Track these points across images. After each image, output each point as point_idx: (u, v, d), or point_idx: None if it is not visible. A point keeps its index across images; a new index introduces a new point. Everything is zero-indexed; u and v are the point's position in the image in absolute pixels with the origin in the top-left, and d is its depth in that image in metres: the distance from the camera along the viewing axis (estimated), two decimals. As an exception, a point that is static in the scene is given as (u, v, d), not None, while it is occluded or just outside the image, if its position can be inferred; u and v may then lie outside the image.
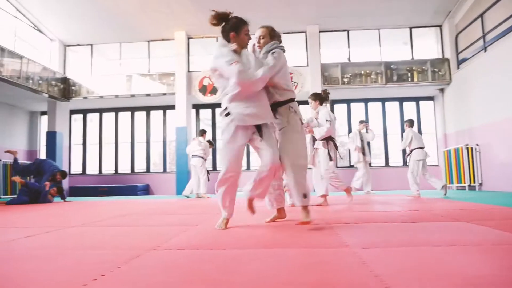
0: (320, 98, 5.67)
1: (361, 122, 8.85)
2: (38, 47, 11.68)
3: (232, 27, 3.04)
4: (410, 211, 4.07)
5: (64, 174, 8.29)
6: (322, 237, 2.46)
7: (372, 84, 11.17)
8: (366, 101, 12.42)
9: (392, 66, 11.17)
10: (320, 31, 11.55)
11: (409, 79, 11.15)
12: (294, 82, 11.13)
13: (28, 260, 1.95)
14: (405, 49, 11.84)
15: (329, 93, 5.84)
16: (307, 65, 11.41)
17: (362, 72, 11.16)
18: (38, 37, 11.70)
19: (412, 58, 11.58)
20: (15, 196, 8.22)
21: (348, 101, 12.46)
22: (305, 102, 11.74)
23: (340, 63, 11.37)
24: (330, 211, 4.51)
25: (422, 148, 7.05)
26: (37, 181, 8.01)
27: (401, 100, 12.32)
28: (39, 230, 3.16)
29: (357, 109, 12.52)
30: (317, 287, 1.36)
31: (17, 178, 7.68)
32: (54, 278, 1.57)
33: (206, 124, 13.09)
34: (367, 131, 8.74)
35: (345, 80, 11.22)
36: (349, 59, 11.65)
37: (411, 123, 7.41)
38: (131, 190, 11.84)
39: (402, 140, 7.48)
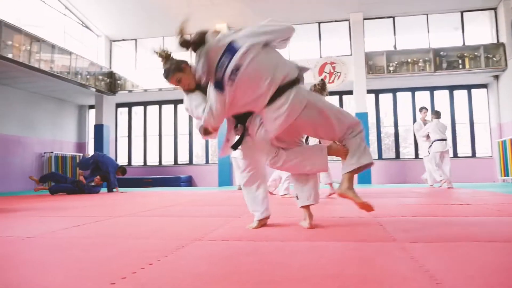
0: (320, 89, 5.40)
1: (421, 109, 8.14)
2: (85, 43, 12.12)
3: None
4: (461, 205, 3.86)
5: (124, 171, 8.58)
6: (368, 231, 2.37)
7: (419, 72, 10.71)
8: (413, 90, 11.96)
9: (441, 53, 10.65)
10: (364, 19, 11.20)
11: (460, 66, 10.59)
12: (337, 72, 10.88)
13: (80, 248, 2.00)
14: (455, 35, 11.25)
15: (324, 83, 5.57)
16: (351, 54, 11.11)
17: (409, 60, 10.72)
18: (85, 34, 12.13)
19: (464, 44, 10.98)
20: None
21: (394, 91, 12.05)
22: (349, 93, 11.54)
23: (385, 51, 10.99)
24: (376, 204, 4.37)
25: (443, 140, 7.24)
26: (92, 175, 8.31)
27: (451, 88, 11.76)
28: (89, 219, 3.26)
29: (404, 99, 12.09)
30: (365, 281, 1.29)
31: (82, 178, 7.96)
32: (103, 266, 1.60)
33: (247, 116, 13.10)
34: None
35: (391, 68, 10.83)
36: (395, 46, 11.23)
37: (437, 114, 7.53)
38: (175, 182, 12.10)
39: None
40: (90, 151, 13.22)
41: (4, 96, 10.33)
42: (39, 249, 2.01)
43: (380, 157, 11.98)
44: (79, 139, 13.61)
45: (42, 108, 11.69)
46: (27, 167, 10.85)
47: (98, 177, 8.02)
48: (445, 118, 11.43)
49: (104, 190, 8.85)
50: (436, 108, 10.81)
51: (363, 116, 10.74)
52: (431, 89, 11.85)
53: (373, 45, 11.39)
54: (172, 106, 13.47)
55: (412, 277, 1.34)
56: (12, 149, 10.48)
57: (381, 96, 12.21)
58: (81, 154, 12.75)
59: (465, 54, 10.58)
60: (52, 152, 11.60)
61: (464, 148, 11.77)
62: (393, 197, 5.23)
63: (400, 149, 11.90)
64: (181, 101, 12.70)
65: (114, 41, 12.92)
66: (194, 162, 13.21)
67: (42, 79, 9.91)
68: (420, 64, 10.69)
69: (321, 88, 4.93)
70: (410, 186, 8.19)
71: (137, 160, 13.63)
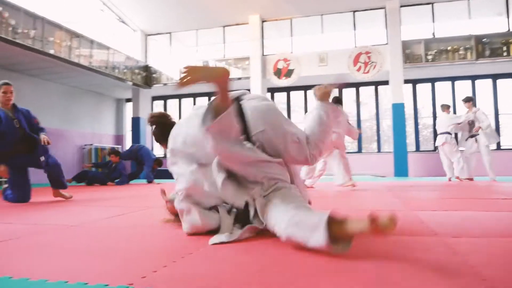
0: None
1: (467, 100, 7.61)
2: (122, 38, 12.41)
3: None
4: (506, 199, 3.70)
5: (160, 163, 8.90)
6: (407, 225, 2.31)
7: (460, 60, 10.28)
8: (453, 79, 11.52)
9: (483, 39, 10.17)
10: (400, 6, 10.85)
11: (505, 53, 10.07)
12: (373, 62, 10.63)
13: (121, 237, 2.08)
14: (499, 20, 10.71)
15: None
16: (387, 43, 10.81)
17: (449, 48, 10.30)
18: (122, 29, 12.43)
19: (509, 29, 10.43)
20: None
21: (432, 80, 11.66)
22: (385, 83, 11.26)
23: (423, 39, 10.62)
24: (414, 197, 4.27)
25: (442, 134, 7.64)
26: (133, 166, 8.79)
27: (495, 77, 11.24)
28: (128, 209, 3.36)
29: (443, 88, 11.67)
30: (408, 277, 1.27)
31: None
32: (144, 255, 1.65)
33: (281, 108, 13.03)
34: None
35: (429, 57, 10.45)
36: (433, 34, 10.83)
37: (443, 107, 7.83)
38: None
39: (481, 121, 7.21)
40: (128, 143, 13.61)
41: (47, 91, 10.77)
42: (83, 238, 2.09)
43: (417, 149, 11.66)
44: (117, 131, 14.01)
45: (82, 102, 12.10)
46: (68, 159, 11.29)
47: (112, 155, 8.49)
48: (488, 109, 10.96)
49: (143, 181, 9.14)
50: (478, 98, 10.37)
51: (399, 107, 10.47)
52: (473, 78, 11.37)
53: (410, 33, 11.03)
54: (206, 98, 13.61)
55: (457, 273, 1.30)
56: (55, 142, 10.82)
57: (418, 86, 11.84)
58: (119, 146, 13.16)
59: (510, 41, 10.06)
60: (91, 145, 12.01)
61: (508, 140, 11.26)
62: (432, 190, 5.08)
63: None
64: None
65: (149, 35, 13.16)
66: (228, 154, 13.31)
67: (82, 73, 10.25)
68: (460, 52, 10.26)
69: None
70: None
71: (173, 152, 13.88)
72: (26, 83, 9.95)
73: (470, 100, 7.47)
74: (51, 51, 8.67)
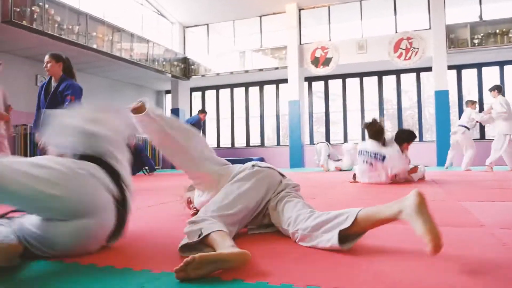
0: None
1: (492, 89, 7.53)
2: (160, 31, 12.64)
3: None
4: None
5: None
6: (453, 215, 2.24)
7: (509, 44, 9.72)
8: (501, 64, 10.92)
9: (536, 21, 9.57)
10: (444, -11, 10.39)
11: (560, 36, 9.44)
12: (414, 48, 10.27)
13: (165, 224, 2.14)
14: (552, 0, 10.03)
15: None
16: (429, 28, 10.40)
17: (497, 31, 9.75)
18: (160, 21, 12.66)
19: (562, 9, 9.77)
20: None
21: (478, 66, 11.11)
22: (428, 69, 10.86)
23: (469, 22, 10.11)
24: (457, 187, 4.12)
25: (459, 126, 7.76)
26: None
27: (546, 61, 10.57)
28: (170, 198, 3.45)
29: (490, 74, 11.10)
30: (459, 269, 1.23)
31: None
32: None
33: (318, 97, 12.95)
34: None
35: (475, 41, 9.96)
36: (480, 17, 10.29)
37: (467, 103, 7.92)
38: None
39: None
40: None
41: (90, 85, 11.15)
42: (140, 222, 2.17)
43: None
44: (157, 123, 14.35)
45: (124, 94, 12.48)
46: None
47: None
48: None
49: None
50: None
51: (443, 94, 10.08)
52: (523, 62, 10.75)
53: (455, 16, 10.54)
54: (243, 89, 13.68)
55: (506, 265, 1.26)
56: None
57: (464, 72, 11.33)
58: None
59: None
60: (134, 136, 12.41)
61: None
62: (477, 180, 4.89)
63: (486, 130, 11.00)
64: (251, 84, 12.77)
65: (187, 27, 13.33)
66: (265, 144, 13.37)
67: (123, 67, 10.56)
68: (510, 35, 9.69)
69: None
70: (496, 168, 7.58)
71: (211, 143, 14.10)
72: (72, 77, 10.36)
73: (495, 89, 7.39)
74: (94, 46, 8.98)
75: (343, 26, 11.82)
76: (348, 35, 11.39)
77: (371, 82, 12.25)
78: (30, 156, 8.83)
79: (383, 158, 4.50)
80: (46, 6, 7.76)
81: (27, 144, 8.84)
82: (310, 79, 12.52)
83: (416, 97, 11.85)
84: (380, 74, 11.96)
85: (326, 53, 11.14)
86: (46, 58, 4.19)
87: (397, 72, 11.70)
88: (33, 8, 7.45)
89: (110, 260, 1.38)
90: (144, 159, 8.71)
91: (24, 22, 7.28)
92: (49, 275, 1.28)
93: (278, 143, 13.15)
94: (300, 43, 11.66)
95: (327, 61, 11.11)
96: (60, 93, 4.07)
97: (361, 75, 12.16)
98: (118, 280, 1.18)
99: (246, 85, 13.55)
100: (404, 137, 4.87)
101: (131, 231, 1.93)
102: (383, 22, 11.33)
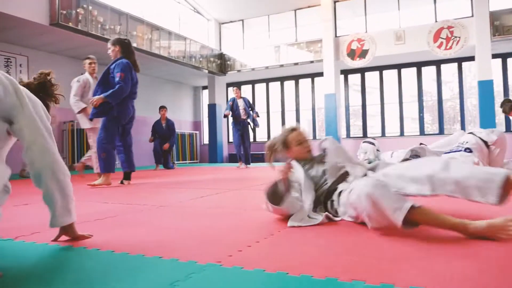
0: None
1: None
2: (197, 28, 12.84)
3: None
4: None
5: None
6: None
7: (559, 30, 9.21)
8: (550, 51, 10.36)
9: None
10: (488, -26, 9.93)
11: None
12: (455, 37, 9.90)
13: (207, 217, 2.23)
14: None
15: None
16: (472, 16, 9.98)
17: (546, 17, 9.27)
18: (197, 19, 12.85)
19: None
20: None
21: (525, 54, 10.59)
22: (470, 59, 10.45)
23: (515, 8, 9.64)
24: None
25: None
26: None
27: None
28: (211, 191, 3.56)
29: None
30: None
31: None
32: (230, 234, 1.77)
33: (354, 90, 12.76)
34: None
35: (522, 28, 9.49)
36: (527, 2, 9.79)
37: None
38: (283, 157, 12.36)
39: None
40: (205, 129, 14.20)
41: (132, 82, 11.55)
42: (172, 217, 2.29)
43: (508, 129, 10.73)
44: (194, 118, 14.65)
45: (162, 90, 12.80)
46: (151, 145, 12.07)
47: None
48: None
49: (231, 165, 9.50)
50: None
51: (487, 84, 9.67)
52: None
53: (499, 2, 10.05)
54: (278, 83, 13.68)
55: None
56: (140, 129, 11.72)
57: (510, 60, 10.81)
58: (197, 132, 13.78)
59: None
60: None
61: None
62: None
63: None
64: (287, 78, 12.75)
65: (223, 23, 13.46)
66: (301, 138, 13.33)
67: (162, 64, 10.83)
68: (560, 20, 9.18)
69: None
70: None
71: (247, 137, 14.23)
72: (113, 75, 10.76)
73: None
74: (134, 44, 9.25)
75: (380, 17, 11.55)
76: (385, 26, 11.14)
77: (409, 74, 11.93)
78: (77, 151, 9.28)
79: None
80: (90, 7, 8.09)
81: (74, 140, 9.29)
82: (346, 72, 12.35)
83: (457, 88, 11.44)
84: (419, 65, 11.63)
85: (362, 45, 10.95)
86: (108, 45, 4.68)
87: (437, 63, 11.34)
88: (78, 10, 7.79)
89: (158, 251, 1.45)
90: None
91: (70, 24, 7.63)
92: (104, 266, 1.35)
93: (314, 137, 13.08)
94: (336, 36, 11.51)
95: (363, 53, 10.92)
96: (110, 72, 4.53)
97: (399, 67, 11.87)
98: (166, 270, 1.24)
99: (282, 79, 13.55)
100: None
101: (177, 224, 2.04)
102: (422, 11, 10.98)
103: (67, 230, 1.65)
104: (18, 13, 6.84)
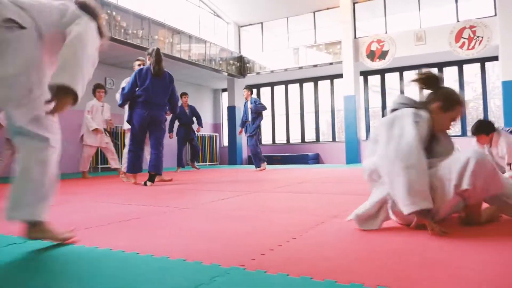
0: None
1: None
2: (216, 31, 12.94)
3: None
4: None
5: None
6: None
7: None
8: None
9: None
10: (512, -29, 9.70)
11: None
12: (478, 37, 9.69)
13: (228, 220, 2.25)
14: None
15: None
16: (495, 15, 9.76)
17: None
18: (216, 22, 12.96)
19: None
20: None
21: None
22: (494, 59, 10.22)
23: (541, 6, 9.39)
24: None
25: None
26: None
27: None
28: (230, 194, 3.59)
29: None
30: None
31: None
32: (251, 237, 1.77)
33: (374, 91, 12.63)
34: None
35: (549, 27, 9.22)
36: (554, 0, 9.52)
37: None
38: (302, 159, 12.35)
39: None
40: (225, 131, 14.29)
41: (152, 85, 11.73)
42: (196, 219, 2.31)
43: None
44: (215, 120, 14.76)
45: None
46: (173, 146, 12.20)
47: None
48: None
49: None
50: None
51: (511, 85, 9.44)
52: None
53: (525, 1, 9.81)
54: (297, 85, 13.66)
55: None
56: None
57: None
58: (217, 134, 13.88)
59: None
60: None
61: None
62: None
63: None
64: (306, 80, 12.71)
65: (242, 26, 13.53)
66: (320, 140, 13.28)
67: (183, 67, 10.95)
68: None
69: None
70: None
71: (266, 138, 14.24)
72: (135, 78, 10.95)
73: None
74: (155, 48, 9.41)
75: (400, 17, 11.42)
76: (405, 27, 11.00)
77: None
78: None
79: None
80: (114, 13, 8.26)
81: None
82: (365, 73, 12.24)
83: (480, 88, 11.19)
84: (440, 66, 11.43)
85: (382, 46, 10.84)
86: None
87: (459, 63, 11.13)
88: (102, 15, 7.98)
89: (181, 253, 1.47)
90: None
91: (94, 29, 7.81)
92: (129, 268, 1.37)
93: (334, 139, 13.00)
94: (355, 37, 11.43)
95: (383, 54, 10.81)
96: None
97: (419, 67, 11.59)
98: (191, 273, 1.25)
99: (301, 81, 13.53)
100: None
101: (199, 226, 2.06)
102: (443, 11, 10.80)
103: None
104: (43, 19, 7.04)
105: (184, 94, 9.25)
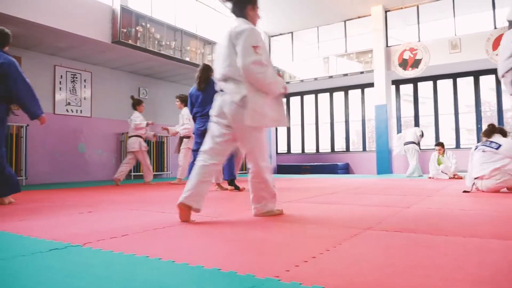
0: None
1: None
2: (247, 41, 13.06)
3: None
4: None
5: None
6: None
7: None
8: None
9: None
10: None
11: None
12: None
13: (260, 229, 2.25)
14: None
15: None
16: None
17: None
18: (247, 32, 13.08)
19: None
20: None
21: None
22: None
23: None
24: None
25: None
26: None
27: None
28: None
29: None
30: None
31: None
32: (284, 248, 1.76)
33: (406, 100, 12.40)
34: None
35: None
36: None
37: None
38: (332, 169, 12.23)
39: None
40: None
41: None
42: (227, 228, 2.32)
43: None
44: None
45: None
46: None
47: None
48: None
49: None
50: None
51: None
52: None
53: None
54: (327, 94, 13.59)
55: None
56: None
57: None
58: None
59: None
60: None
61: None
62: None
63: None
64: (336, 89, 12.55)
65: (272, 36, 13.62)
66: (350, 149, 13.12)
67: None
68: None
69: None
70: None
71: (296, 148, 14.20)
72: (168, 88, 11.22)
73: None
74: (187, 59, 9.60)
75: (434, 25, 11.21)
76: (439, 34, 10.78)
77: (465, 83, 11.43)
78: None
79: (498, 146, 4.32)
80: (148, 25, 8.51)
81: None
82: (397, 82, 12.05)
83: (520, 97, 10.80)
84: (476, 74, 11.12)
85: (415, 55, 10.65)
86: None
87: (496, 71, 10.78)
88: (137, 28, 8.23)
89: (216, 262, 1.48)
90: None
91: (130, 41, 8.06)
92: (166, 277, 1.39)
93: (364, 149, 12.82)
94: (387, 46, 11.29)
95: (416, 63, 10.62)
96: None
97: (454, 76, 11.42)
98: (226, 283, 1.26)
99: (331, 91, 13.45)
100: None
101: (232, 235, 2.07)
102: (479, 17, 10.54)
103: None
104: (83, 33, 7.35)
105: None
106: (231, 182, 5.28)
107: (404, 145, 8.92)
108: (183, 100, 7.29)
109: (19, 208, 3.45)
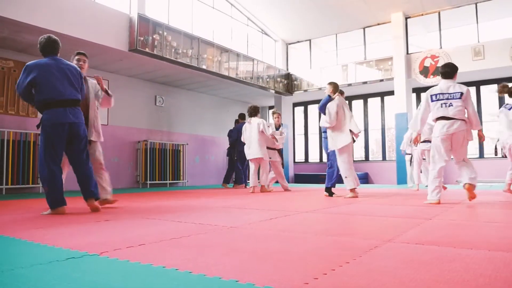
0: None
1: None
2: (264, 49, 13.11)
3: None
4: None
5: None
6: None
7: None
8: None
9: None
10: None
11: None
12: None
13: (278, 240, 2.21)
14: None
15: None
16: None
17: None
18: (264, 40, 13.13)
19: None
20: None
21: None
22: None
23: None
24: None
25: None
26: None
27: None
28: (278, 213, 3.55)
29: None
30: None
31: None
32: (303, 260, 1.72)
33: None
34: None
35: None
36: None
37: None
38: (351, 178, 12.05)
39: None
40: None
41: (201, 103, 12.03)
42: (245, 239, 2.29)
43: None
44: (261, 137, 14.82)
45: (230, 111, 13.15)
46: (220, 164, 12.38)
47: None
48: None
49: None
50: None
51: None
52: None
53: None
54: (346, 102, 13.46)
55: None
56: (208, 148, 12.12)
57: None
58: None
59: None
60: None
61: None
62: None
63: None
64: (355, 97, 12.51)
65: (290, 43, 13.62)
66: (370, 159, 12.94)
67: (230, 85, 11.16)
68: None
69: None
70: None
71: (314, 157, 14.09)
72: (184, 96, 11.31)
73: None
74: (204, 67, 9.67)
75: (456, 32, 11.03)
76: (461, 41, 10.59)
77: (489, 91, 11.17)
78: (150, 168, 9.75)
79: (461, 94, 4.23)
80: (165, 33, 8.61)
81: (147, 157, 9.79)
82: (418, 90, 11.87)
83: (546, 105, 10.48)
84: (500, 82, 10.84)
85: (436, 62, 10.48)
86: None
87: (521, 79, 10.53)
88: (154, 36, 8.32)
89: (233, 274, 1.46)
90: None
91: (147, 49, 8.16)
92: None
93: (384, 158, 12.62)
94: (407, 53, 11.14)
95: (437, 71, 10.43)
96: None
97: (477, 84, 11.17)
98: None
99: (350, 99, 13.33)
100: None
101: (249, 247, 2.04)
102: (503, 24, 10.32)
103: None
104: (101, 41, 7.48)
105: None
106: (328, 189, 6.02)
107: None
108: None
109: (35, 216, 3.49)
